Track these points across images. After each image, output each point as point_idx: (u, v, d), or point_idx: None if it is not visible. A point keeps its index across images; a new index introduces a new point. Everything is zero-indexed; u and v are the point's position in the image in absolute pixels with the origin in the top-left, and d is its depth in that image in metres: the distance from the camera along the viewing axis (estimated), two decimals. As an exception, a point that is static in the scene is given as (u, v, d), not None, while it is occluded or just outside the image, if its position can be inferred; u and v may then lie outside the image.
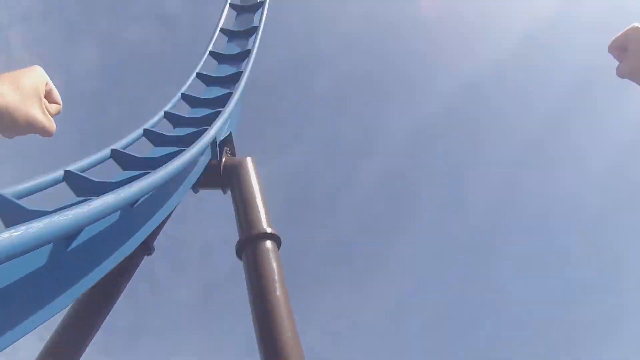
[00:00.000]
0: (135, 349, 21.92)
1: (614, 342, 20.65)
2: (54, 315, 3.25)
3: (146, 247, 7.10)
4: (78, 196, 4.39)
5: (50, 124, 1.15)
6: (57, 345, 6.37)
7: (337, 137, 24.98)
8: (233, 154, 7.98)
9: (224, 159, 7.41)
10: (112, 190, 3.45)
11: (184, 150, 5.32)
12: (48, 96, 1.17)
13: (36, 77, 1.12)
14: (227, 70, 9.56)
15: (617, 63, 1.39)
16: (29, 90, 1.09)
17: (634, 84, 1.35)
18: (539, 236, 23.21)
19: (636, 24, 1.34)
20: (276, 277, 5.66)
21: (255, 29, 10.61)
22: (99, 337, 6.92)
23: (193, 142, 5.60)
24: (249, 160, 7.48)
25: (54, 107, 1.18)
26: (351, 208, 24.75)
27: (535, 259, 22.08)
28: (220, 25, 10.57)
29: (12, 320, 2.81)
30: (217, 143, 6.85)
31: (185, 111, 7.91)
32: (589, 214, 22.03)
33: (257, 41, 9.94)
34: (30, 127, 1.11)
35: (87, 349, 6.68)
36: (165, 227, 7.51)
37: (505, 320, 22.11)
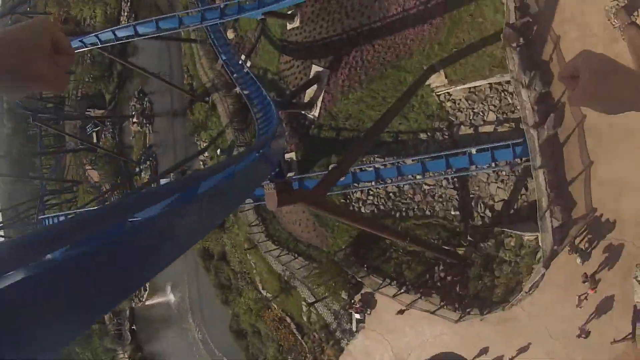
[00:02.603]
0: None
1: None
2: None
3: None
4: None
5: (58, 78, 1.02)
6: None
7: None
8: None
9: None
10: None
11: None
12: (58, 48, 1.02)
13: (38, 31, 0.99)
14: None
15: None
16: (28, 46, 0.96)
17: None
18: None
19: (585, 49, 1.24)
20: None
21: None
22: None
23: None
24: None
25: (64, 59, 1.04)
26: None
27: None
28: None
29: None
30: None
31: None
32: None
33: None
34: (36, 84, 1.00)
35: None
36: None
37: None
